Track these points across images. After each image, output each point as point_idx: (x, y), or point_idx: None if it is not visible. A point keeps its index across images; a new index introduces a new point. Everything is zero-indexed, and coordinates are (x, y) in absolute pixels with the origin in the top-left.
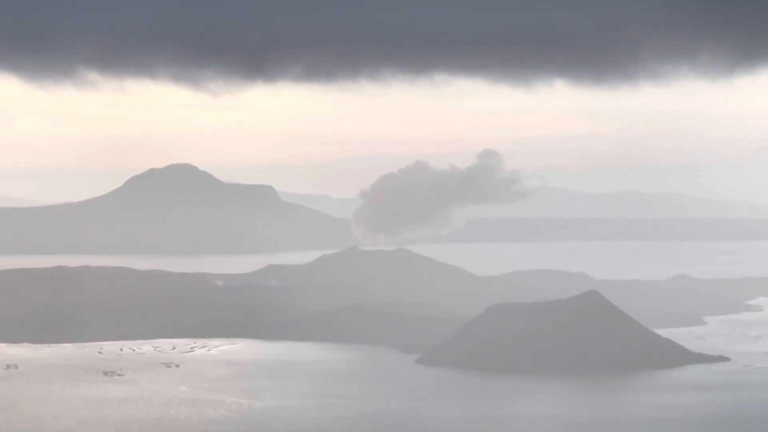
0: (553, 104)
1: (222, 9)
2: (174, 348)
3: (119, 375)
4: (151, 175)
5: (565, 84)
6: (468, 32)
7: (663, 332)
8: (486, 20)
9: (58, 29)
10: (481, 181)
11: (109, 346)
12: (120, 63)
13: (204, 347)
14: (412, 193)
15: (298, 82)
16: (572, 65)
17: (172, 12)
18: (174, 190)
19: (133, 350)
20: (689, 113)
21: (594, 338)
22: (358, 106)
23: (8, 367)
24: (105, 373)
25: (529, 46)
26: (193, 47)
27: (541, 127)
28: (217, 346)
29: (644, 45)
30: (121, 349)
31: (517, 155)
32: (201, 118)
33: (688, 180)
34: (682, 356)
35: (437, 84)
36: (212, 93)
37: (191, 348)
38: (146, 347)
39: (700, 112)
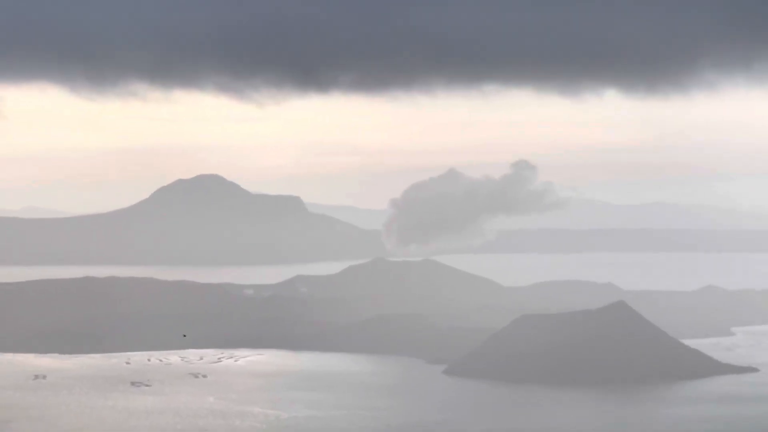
0: (600, 114)
1: (276, 20)
2: (201, 359)
3: (147, 385)
4: (178, 185)
5: (616, 94)
6: (521, 43)
7: (691, 343)
8: (540, 30)
9: (110, 42)
10: (513, 191)
11: (137, 357)
12: (169, 73)
13: (231, 358)
14: (444, 202)
15: (348, 93)
16: (626, 75)
17: (224, 23)
18: (201, 201)
19: (161, 361)
20: (735, 123)
21: (621, 349)
22: (403, 117)
23: (36, 377)
24: (133, 384)
25: (582, 56)
26: (246, 58)
27: (584, 138)
28: (244, 357)
29: (700, 55)
30: (149, 360)
31: (555, 166)
32: (241, 128)
33: (718, 190)
34: (710, 367)
35: (486, 94)
36: (258, 103)
37: (219, 359)
38: (174, 358)
39: (746, 122)
